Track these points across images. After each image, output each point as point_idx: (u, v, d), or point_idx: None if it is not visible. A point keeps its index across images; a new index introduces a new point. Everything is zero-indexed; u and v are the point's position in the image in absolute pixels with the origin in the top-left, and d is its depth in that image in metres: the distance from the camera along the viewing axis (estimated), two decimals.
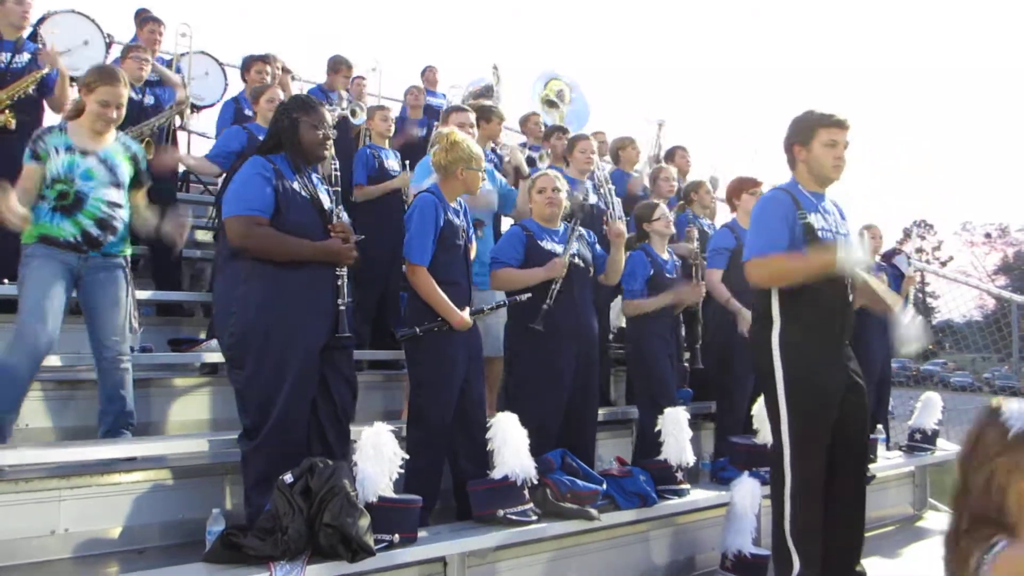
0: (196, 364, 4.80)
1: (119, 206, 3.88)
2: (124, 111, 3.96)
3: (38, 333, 3.59)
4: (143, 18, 6.67)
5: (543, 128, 7.18)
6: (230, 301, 3.36)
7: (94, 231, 3.78)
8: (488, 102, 6.21)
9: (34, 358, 3.61)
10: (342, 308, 3.40)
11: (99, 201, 3.79)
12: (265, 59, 6.22)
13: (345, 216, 3.56)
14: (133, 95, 5.53)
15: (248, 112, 5.89)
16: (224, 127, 5.94)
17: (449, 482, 4.08)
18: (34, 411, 4.09)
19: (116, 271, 3.88)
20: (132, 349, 4.09)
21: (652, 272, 5.01)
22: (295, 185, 3.40)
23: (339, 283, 3.41)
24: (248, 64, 6.22)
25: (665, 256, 5.15)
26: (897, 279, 7.00)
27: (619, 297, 5.64)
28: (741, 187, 5.46)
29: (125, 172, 3.92)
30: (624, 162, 6.83)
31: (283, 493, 2.96)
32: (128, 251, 3.99)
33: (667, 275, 5.05)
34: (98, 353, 3.85)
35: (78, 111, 3.88)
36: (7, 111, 4.95)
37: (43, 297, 3.63)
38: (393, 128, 6.13)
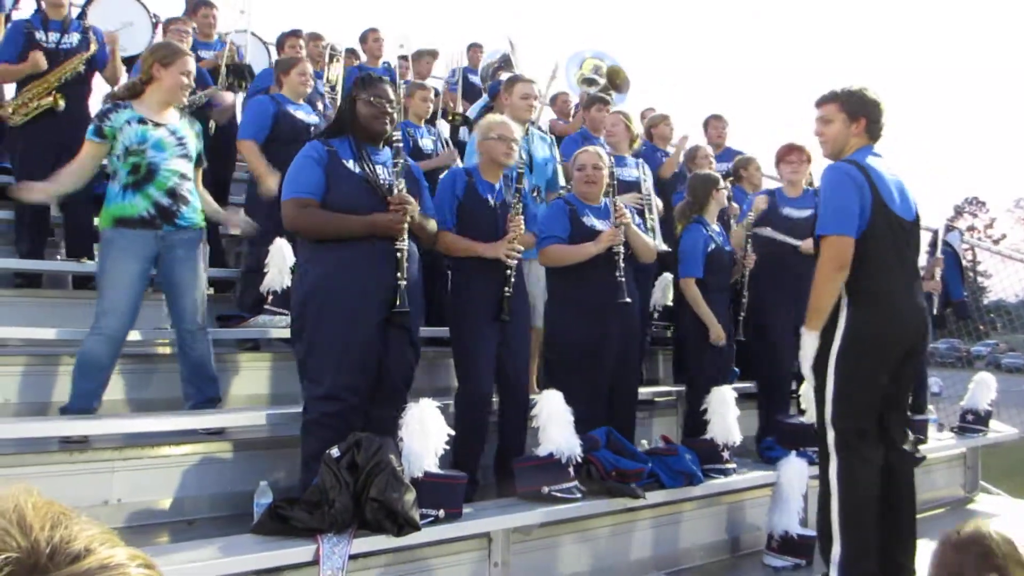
0: (244, 340, 4.84)
1: (188, 178, 3.88)
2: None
3: (117, 327, 3.70)
4: (196, 2, 6.69)
5: (572, 107, 7.11)
6: (296, 276, 3.49)
7: (165, 201, 3.77)
8: (509, 74, 6.22)
9: (114, 349, 3.74)
10: (401, 283, 3.36)
11: (169, 172, 3.79)
12: (296, 34, 6.22)
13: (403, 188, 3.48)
14: None
15: (290, 109, 5.89)
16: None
17: (489, 459, 4.12)
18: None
19: (194, 248, 3.89)
20: None
21: (713, 247, 4.90)
22: (349, 164, 3.41)
23: (399, 256, 3.37)
24: (281, 41, 6.24)
25: (717, 228, 5.06)
26: (951, 256, 6.82)
27: (664, 275, 5.55)
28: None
29: (192, 146, 3.92)
30: (657, 139, 6.74)
31: (330, 467, 2.99)
32: (203, 222, 3.99)
33: (726, 248, 4.99)
34: (179, 328, 3.90)
35: (137, 90, 3.86)
36: (55, 92, 5.03)
37: (123, 291, 3.71)
38: (431, 108, 6.08)
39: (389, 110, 3.50)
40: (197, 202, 3.94)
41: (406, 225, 3.38)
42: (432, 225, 3.69)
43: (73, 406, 3.69)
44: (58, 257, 5.31)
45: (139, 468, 3.58)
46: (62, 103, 5.04)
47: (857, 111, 3.60)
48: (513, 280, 3.92)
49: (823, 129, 3.67)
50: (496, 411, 4.14)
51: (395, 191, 3.43)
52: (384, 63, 7.65)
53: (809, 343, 3.56)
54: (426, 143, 5.76)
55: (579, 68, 7.59)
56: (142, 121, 3.76)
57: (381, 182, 3.44)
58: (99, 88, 5.66)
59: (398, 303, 3.34)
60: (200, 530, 3.44)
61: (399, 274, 3.35)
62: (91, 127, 3.79)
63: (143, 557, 0.64)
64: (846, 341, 3.50)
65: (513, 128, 4.11)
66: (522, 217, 3.99)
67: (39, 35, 5.13)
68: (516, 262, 3.92)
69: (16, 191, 3.85)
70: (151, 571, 0.64)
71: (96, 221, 4.18)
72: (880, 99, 3.63)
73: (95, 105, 5.56)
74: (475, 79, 8.05)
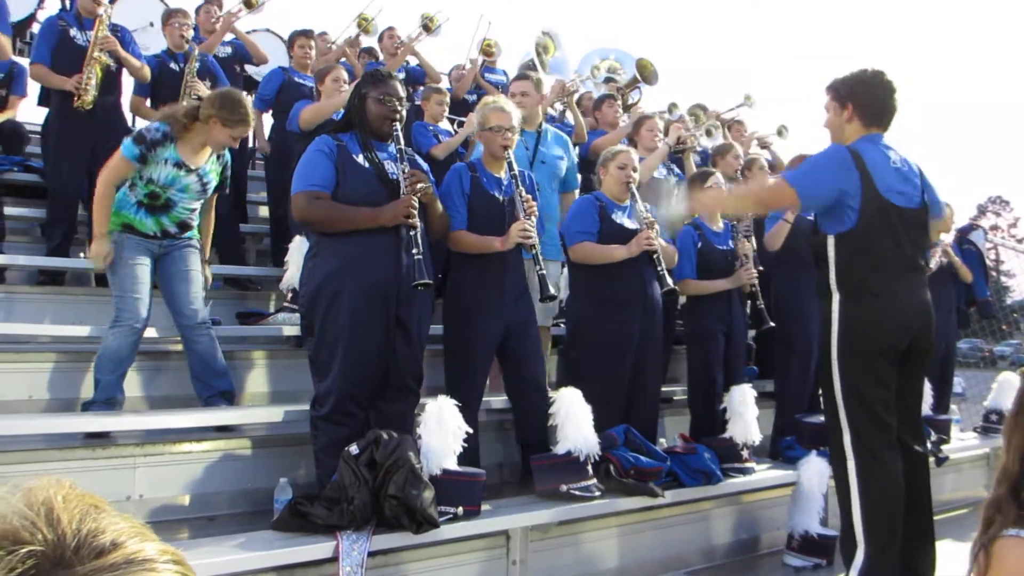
0: (264, 337, 4.87)
1: (197, 211, 4.07)
2: None
3: (137, 318, 3.78)
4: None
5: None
6: (304, 273, 3.48)
7: (172, 229, 3.97)
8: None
9: (135, 341, 3.81)
10: (418, 257, 3.31)
11: (185, 208, 3.97)
12: (308, 34, 6.25)
13: (422, 165, 3.51)
14: (173, 65, 5.66)
15: (297, 79, 6.00)
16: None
17: (495, 457, 4.16)
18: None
19: (188, 249, 4.02)
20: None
21: (700, 245, 4.86)
22: (359, 159, 3.42)
23: (412, 234, 3.34)
24: (292, 39, 6.27)
25: (718, 226, 5.00)
26: (974, 255, 6.75)
27: None
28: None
29: (213, 185, 4.06)
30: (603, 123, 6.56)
31: (349, 464, 3.01)
32: (198, 233, 4.15)
33: (719, 247, 4.89)
34: (179, 323, 3.97)
35: (190, 120, 3.84)
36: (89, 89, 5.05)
37: (138, 284, 3.82)
38: (447, 111, 6.10)
39: (399, 108, 3.51)
40: (197, 221, 4.11)
41: (416, 206, 3.36)
42: (444, 209, 3.68)
43: (99, 398, 3.74)
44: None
45: (160, 464, 3.61)
46: (91, 95, 5.04)
47: (844, 96, 3.53)
48: (543, 258, 3.81)
49: (824, 121, 3.63)
50: (511, 409, 4.13)
51: (403, 170, 3.42)
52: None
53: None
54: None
55: (588, 75, 7.56)
56: (178, 164, 3.83)
57: (391, 176, 3.45)
58: (128, 87, 5.74)
59: (416, 276, 3.29)
60: (221, 526, 3.46)
61: (414, 250, 3.31)
62: (136, 150, 3.73)
63: (173, 552, 0.64)
64: (842, 337, 3.44)
65: (511, 115, 3.99)
66: (533, 201, 3.90)
67: (73, 32, 5.16)
68: (535, 240, 3.80)
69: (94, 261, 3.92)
70: (181, 567, 0.64)
71: None
72: (881, 82, 3.51)
73: (126, 105, 5.70)
74: (492, 78, 8.05)
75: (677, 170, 5.89)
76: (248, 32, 7.17)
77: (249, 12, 6.46)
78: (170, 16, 5.84)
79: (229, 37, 6.59)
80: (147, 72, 5.45)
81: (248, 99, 4.06)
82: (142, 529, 0.65)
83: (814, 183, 3.51)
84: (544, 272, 3.75)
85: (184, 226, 4.01)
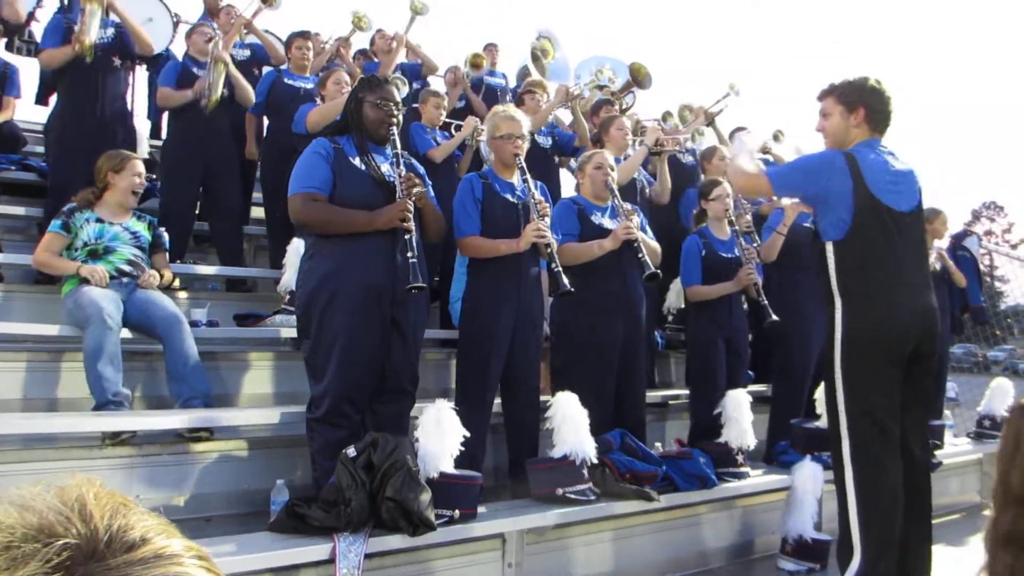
0: (262, 339, 4.87)
1: (144, 260, 4.23)
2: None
3: (101, 310, 3.72)
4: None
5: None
6: (300, 275, 3.51)
7: (126, 268, 4.10)
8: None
9: (111, 334, 3.73)
10: (412, 261, 3.32)
11: (126, 252, 4.14)
12: (305, 35, 6.27)
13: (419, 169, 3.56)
14: (196, 69, 5.71)
15: (288, 80, 6.01)
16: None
17: (491, 461, 4.15)
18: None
19: (148, 292, 4.11)
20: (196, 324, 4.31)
21: (705, 253, 4.89)
22: (355, 161, 3.45)
23: (407, 237, 3.35)
24: (290, 41, 6.28)
25: (723, 234, 5.02)
26: (969, 261, 6.78)
27: (679, 278, 5.53)
28: None
29: (145, 239, 4.27)
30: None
31: (346, 467, 3.02)
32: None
33: (723, 255, 4.90)
34: (165, 331, 3.94)
35: (98, 193, 4.20)
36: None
37: (91, 296, 3.83)
38: (444, 115, 6.11)
39: (395, 113, 3.54)
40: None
41: (411, 210, 3.38)
42: (439, 212, 3.69)
43: (101, 399, 3.69)
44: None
45: (158, 464, 3.61)
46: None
47: (854, 100, 3.51)
48: (556, 256, 3.84)
49: (823, 124, 3.60)
50: (503, 413, 4.14)
51: (399, 174, 3.44)
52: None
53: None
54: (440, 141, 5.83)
55: (591, 77, 7.57)
56: (100, 220, 4.13)
57: (387, 180, 3.47)
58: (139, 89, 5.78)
59: (411, 279, 3.30)
60: (218, 527, 3.47)
61: (409, 253, 3.33)
62: (58, 222, 4.10)
63: (197, 549, 0.67)
64: (845, 343, 3.43)
65: (521, 123, 4.06)
66: (546, 202, 3.96)
67: (77, 28, 5.23)
68: (550, 238, 3.85)
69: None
70: (205, 562, 0.67)
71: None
72: (884, 88, 3.52)
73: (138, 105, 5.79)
74: (492, 80, 8.05)
75: (646, 173, 5.89)
76: (246, 34, 7.17)
77: (267, 7, 6.46)
78: (192, 30, 6.04)
79: (249, 39, 6.64)
80: (150, 41, 5.53)
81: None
82: (168, 527, 0.68)
83: (789, 181, 3.62)
84: (559, 269, 3.79)
85: (136, 266, 4.12)
